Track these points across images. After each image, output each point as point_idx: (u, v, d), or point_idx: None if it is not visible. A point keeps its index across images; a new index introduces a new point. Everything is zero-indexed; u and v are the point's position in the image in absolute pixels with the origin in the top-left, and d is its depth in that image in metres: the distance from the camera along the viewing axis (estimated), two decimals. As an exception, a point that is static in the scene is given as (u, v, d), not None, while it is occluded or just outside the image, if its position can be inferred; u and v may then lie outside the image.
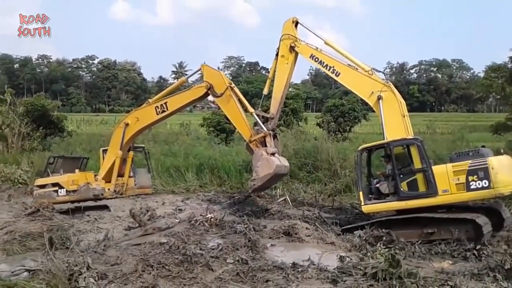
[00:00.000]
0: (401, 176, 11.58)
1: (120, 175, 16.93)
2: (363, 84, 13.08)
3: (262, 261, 9.94)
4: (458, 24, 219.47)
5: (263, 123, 14.33)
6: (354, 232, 11.88)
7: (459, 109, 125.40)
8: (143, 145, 20.11)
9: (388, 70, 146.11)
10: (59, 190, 16.42)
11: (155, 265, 9.41)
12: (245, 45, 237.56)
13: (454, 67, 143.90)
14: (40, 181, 17.32)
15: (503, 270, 8.33)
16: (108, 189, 16.49)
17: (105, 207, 15.48)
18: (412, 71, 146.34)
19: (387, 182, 12.12)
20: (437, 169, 11.25)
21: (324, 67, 13.82)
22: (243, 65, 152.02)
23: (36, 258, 9.91)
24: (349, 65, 13.50)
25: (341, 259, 9.76)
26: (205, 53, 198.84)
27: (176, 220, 13.87)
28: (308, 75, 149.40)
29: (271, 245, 11.49)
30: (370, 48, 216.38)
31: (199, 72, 16.03)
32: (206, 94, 15.14)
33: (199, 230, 12.80)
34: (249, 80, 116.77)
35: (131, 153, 17.16)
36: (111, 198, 16.24)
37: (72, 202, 15.97)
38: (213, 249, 10.87)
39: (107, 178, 16.66)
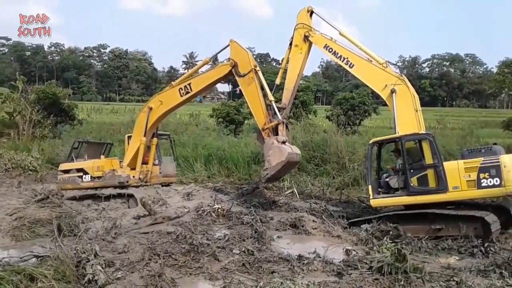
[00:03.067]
0: (412, 171, 11.49)
1: (145, 162, 16.57)
2: (377, 77, 12.94)
3: (268, 253, 9.98)
4: (472, 19, 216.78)
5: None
6: (361, 226, 11.87)
7: (471, 104, 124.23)
8: (168, 133, 19.69)
9: (400, 63, 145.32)
10: (84, 176, 16.23)
11: (162, 254, 9.50)
12: (256, 36, 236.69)
13: (467, 62, 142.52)
14: (64, 165, 17.03)
15: (510, 267, 8.30)
16: (133, 177, 16.20)
17: (131, 196, 15.30)
18: (424, 65, 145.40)
19: (397, 176, 12.07)
20: (448, 165, 11.16)
21: (338, 58, 13.65)
22: (254, 56, 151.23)
23: (44, 245, 9.98)
24: (363, 57, 13.36)
25: (347, 252, 9.79)
26: (215, 43, 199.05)
27: (185, 210, 13.97)
28: (319, 67, 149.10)
29: (278, 237, 11.52)
30: (382, 41, 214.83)
31: (227, 48, 15.19)
32: (230, 73, 14.76)
33: (206, 220, 12.87)
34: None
35: (155, 139, 16.81)
36: (135, 186, 16.00)
37: (96, 188, 15.87)
38: (219, 239, 10.93)
39: (132, 165, 16.38)
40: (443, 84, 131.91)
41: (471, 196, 10.99)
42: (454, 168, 11.00)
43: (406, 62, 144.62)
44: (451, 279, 8.16)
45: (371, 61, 13.16)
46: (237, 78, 14.59)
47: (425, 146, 11.45)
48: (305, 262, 9.23)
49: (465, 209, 11.06)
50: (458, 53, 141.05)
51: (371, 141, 12.57)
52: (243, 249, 10.08)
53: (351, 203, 15.69)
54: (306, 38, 14.20)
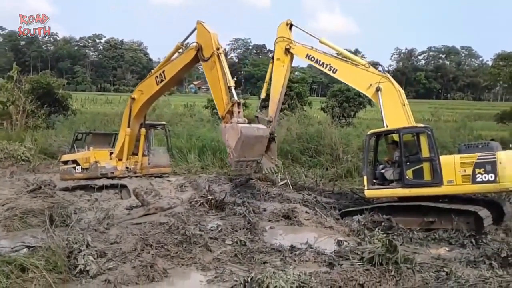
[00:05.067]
0: (408, 163, 11.56)
1: (136, 153, 16.59)
2: (361, 78, 13.22)
3: (260, 243, 10.04)
4: (468, 11, 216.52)
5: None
6: (353, 217, 11.94)
7: (465, 97, 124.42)
8: (163, 122, 19.37)
9: (396, 55, 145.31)
10: (76, 167, 16.45)
11: (154, 245, 9.50)
12: (253, 27, 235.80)
13: (463, 55, 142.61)
14: (64, 157, 17.49)
15: (499, 258, 8.37)
16: (120, 168, 16.16)
17: (124, 187, 15.31)
18: (420, 57, 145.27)
19: (393, 168, 12.12)
20: (445, 159, 11.21)
21: (320, 65, 13.97)
22: (250, 47, 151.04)
23: (36, 235, 9.99)
24: (345, 61, 13.72)
25: (339, 243, 9.86)
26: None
27: (178, 201, 13.97)
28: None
29: (270, 227, 11.57)
30: (379, 33, 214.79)
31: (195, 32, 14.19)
32: (197, 58, 13.81)
33: (199, 211, 12.90)
34: (256, 62, 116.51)
35: (143, 130, 16.59)
36: (123, 177, 15.93)
37: (86, 179, 15.93)
38: (212, 230, 10.98)
39: (120, 156, 16.34)
40: (439, 76, 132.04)
41: (466, 190, 11.06)
42: (450, 162, 11.05)
43: (402, 54, 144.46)
44: (441, 269, 8.23)
45: (353, 63, 13.46)
46: (202, 63, 13.73)
47: (423, 139, 11.48)
48: (297, 253, 9.30)
49: (458, 203, 11.11)
50: (454, 46, 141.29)
51: (369, 132, 12.59)
52: (235, 240, 10.14)
53: (344, 194, 15.75)
54: (287, 50, 14.46)
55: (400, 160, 11.72)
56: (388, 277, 7.78)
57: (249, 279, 7.29)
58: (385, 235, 9.60)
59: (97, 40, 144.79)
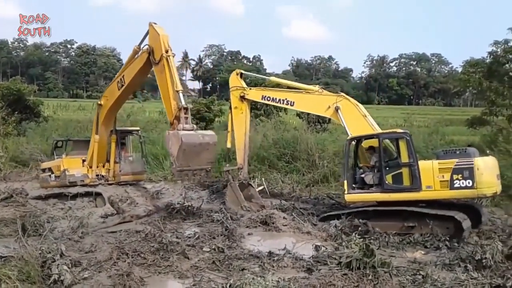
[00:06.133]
0: (387, 168, 11.70)
1: (109, 160, 16.30)
2: (317, 103, 13.85)
3: (238, 250, 10.01)
4: (438, 19, 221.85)
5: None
6: (330, 222, 12.02)
7: (436, 103, 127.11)
8: (137, 128, 18.92)
9: (369, 62, 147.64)
10: (51, 175, 16.21)
11: (130, 253, 9.37)
12: (228, 33, 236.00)
13: (433, 61, 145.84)
14: (43, 165, 17.55)
15: (474, 260, 8.52)
16: (91, 176, 15.85)
17: (99, 194, 15.09)
18: (392, 64, 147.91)
19: (373, 173, 12.25)
20: (423, 165, 11.33)
21: (277, 102, 14.55)
22: (225, 53, 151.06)
23: (8, 245, 9.70)
24: (298, 91, 14.38)
25: (317, 248, 9.90)
26: (186, 40, 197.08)
27: (154, 208, 13.80)
28: (289, 65, 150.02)
29: (248, 234, 11.55)
30: (352, 40, 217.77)
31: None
32: (150, 61, 13.07)
33: (176, 218, 12.78)
34: (231, 69, 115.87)
35: (114, 136, 16.27)
36: (94, 185, 15.61)
37: (59, 187, 15.62)
38: (189, 237, 10.88)
39: (91, 164, 16.03)
40: (410, 83, 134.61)
41: (444, 196, 11.18)
42: (428, 168, 11.16)
43: (374, 61, 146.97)
44: (418, 273, 8.34)
45: (307, 92, 14.08)
46: (153, 66, 12.99)
47: (402, 145, 11.64)
48: (275, 258, 9.31)
49: (437, 208, 11.20)
50: (424, 53, 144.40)
51: (349, 137, 12.65)
52: (213, 247, 10.07)
53: (321, 199, 15.86)
54: (242, 98, 14.82)
55: (380, 165, 11.84)
56: (366, 281, 7.87)
57: (227, 286, 7.26)
58: (362, 239, 9.68)
59: (69, 46, 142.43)
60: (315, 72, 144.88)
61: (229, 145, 15.59)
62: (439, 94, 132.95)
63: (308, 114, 33.86)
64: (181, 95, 12.20)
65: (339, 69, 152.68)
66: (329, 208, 14.25)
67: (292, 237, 11.24)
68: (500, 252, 8.40)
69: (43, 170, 17.04)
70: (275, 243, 10.67)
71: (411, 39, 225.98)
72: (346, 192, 12.24)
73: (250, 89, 15.03)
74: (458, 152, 11.30)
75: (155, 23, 13.14)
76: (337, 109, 13.01)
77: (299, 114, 36.43)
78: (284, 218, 12.67)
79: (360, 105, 13.27)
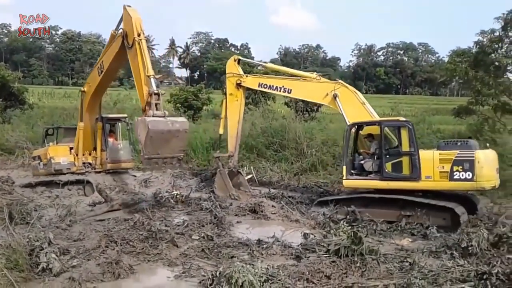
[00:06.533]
0: (387, 156, 11.65)
1: (96, 148, 16.11)
2: (315, 90, 13.74)
3: (227, 238, 10.04)
4: (425, 8, 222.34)
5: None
6: (318, 211, 12.08)
7: (423, 92, 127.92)
8: (125, 115, 18.44)
9: (356, 51, 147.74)
10: (40, 163, 16.05)
11: (119, 241, 9.37)
12: (215, 21, 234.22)
13: (420, 51, 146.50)
14: (34, 152, 17.59)
15: (460, 248, 8.62)
16: (78, 164, 15.69)
17: (87, 182, 14.97)
18: (379, 53, 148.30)
19: (372, 160, 12.23)
20: (424, 155, 11.26)
21: (274, 90, 14.45)
22: (212, 41, 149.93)
23: (-5, 233, 9.63)
24: (296, 78, 14.28)
25: (305, 236, 9.97)
26: (173, 27, 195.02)
27: (143, 196, 13.75)
28: (277, 53, 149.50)
29: (237, 222, 11.60)
30: (339, 29, 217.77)
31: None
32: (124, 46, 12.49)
33: (165, 207, 12.74)
34: (218, 57, 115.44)
35: (99, 124, 16.02)
36: (81, 173, 15.45)
37: (46, 175, 15.48)
38: (178, 225, 10.88)
39: (76, 151, 15.86)
40: (397, 72, 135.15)
41: (442, 187, 11.13)
42: (429, 158, 11.12)
43: (362, 50, 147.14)
44: (405, 260, 8.44)
45: (305, 79, 14.00)
46: (127, 51, 12.36)
47: (403, 134, 11.54)
48: (264, 246, 9.35)
49: (435, 199, 11.15)
50: (411, 42, 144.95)
51: (350, 123, 12.51)
52: (202, 235, 10.09)
53: (309, 188, 15.94)
54: (238, 85, 14.72)
55: (380, 153, 11.81)
56: (354, 268, 7.96)
57: (217, 274, 7.27)
58: (350, 227, 9.75)
59: (53, 32, 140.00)
60: (303, 61, 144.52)
61: (221, 131, 15.53)
62: (426, 84, 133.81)
63: (296, 102, 34.04)
64: (152, 80, 11.55)
65: (327, 57, 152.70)
66: (317, 196, 14.31)
67: (280, 225, 11.31)
68: (486, 239, 8.49)
69: (34, 158, 16.95)
70: (263, 231, 10.73)
71: (399, 28, 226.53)
72: (344, 177, 12.23)
73: (247, 76, 14.91)
74: (459, 144, 11.20)
75: (129, 6, 12.56)
76: (335, 96, 12.94)
77: (287, 103, 36.50)
78: (272, 206, 12.76)
79: (358, 92, 13.21)
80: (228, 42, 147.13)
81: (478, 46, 21.03)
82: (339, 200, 12.26)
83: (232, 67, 15.03)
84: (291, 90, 14.08)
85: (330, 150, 19.37)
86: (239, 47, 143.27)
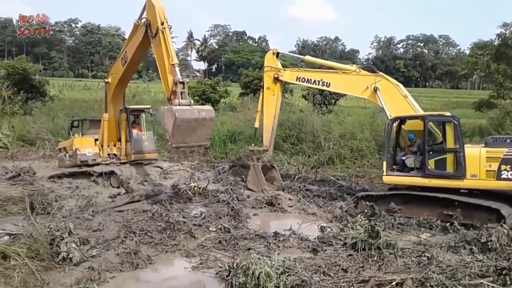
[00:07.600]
0: (431, 153, 11.09)
1: (120, 139, 16.14)
2: (355, 83, 13.20)
3: (244, 230, 10.10)
4: (446, 0, 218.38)
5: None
6: (367, 203, 11.70)
7: (443, 85, 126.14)
8: (149, 106, 18.38)
9: (376, 44, 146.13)
10: (66, 155, 16.20)
11: (137, 232, 9.51)
12: (233, 13, 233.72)
13: (441, 43, 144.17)
14: (60, 144, 17.55)
15: (479, 243, 8.53)
16: (102, 155, 15.76)
17: (112, 173, 15.13)
18: (399, 45, 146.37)
19: (415, 156, 11.73)
20: (470, 152, 10.67)
21: (312, 83, 14.08)
22: (230, 34, 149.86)
23: (17, 223, 9.84)
24: (335, 72, 13.82)
25: (322, 229, 9.96)
26: (191, 20, 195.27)
27: (163, 188, 13.88)
28: (295, 46, 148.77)
29: (254, 214, 11.64)
30: (358, 21, 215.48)
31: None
32: (148, 35, 12.43)
33: (183, 199, 12.84)
34: (236, 49, 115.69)
35: (123, 115, 16.04)
36: (106, 164, 15.56)
37: (72, 167, 15.63)
38: (196, 217, 10.98)
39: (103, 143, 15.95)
40: (417, 65, 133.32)
41: (489, 186, 10.49)
42: (475, 156, 10.53)
43: (381, 43, 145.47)
44: (423, 254, 8.38)
45: (344, 72, 13.51)
46: (151, 40, 12.29)
47: (449, 130, 11.09)
48: (281, 239, 9.37)
49: (480, 198, 10.55)
50: (432, 34, 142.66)
51: (392, 117, 11.95)
52: (219, 227, 10.17)
53: (326, 181, 15.89)
54: (276, 79, 14.41)
55: (423, 149, 11.27)
56: (371, 262, 7.94)
57: (234, 265, 7.33)
58: (367, 221, 9.68)
59: (73, 25, 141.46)
60: (321, 53, 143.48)
61: (257, 125, 15.31)
62: (446, 77, 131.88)
63: (314, 95, 33.93)
64: (177, 69, 11.45)
65: (346, 50, 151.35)
66: (335, 190, 14.23)
67: (297, 218, 11.32)
68: (506, 235, 8.38)
69: (59, 150, 17.08)
70: (280, 223, 10.77)
71: (419, 20, 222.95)
72: (384, 173, 11.75)
73: (285, 70, 14.59)
74: (508, 141, 10.58)
75: None
76: (375, 89, 12.48)
77: (305, 96, 36.40)
78: (289, 199, 12.77)
79: (400, 85, 12.66)
80: (246, 35, 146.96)
81: (500, 39, 20.68)
82: (379, 196, 11.87)
83: (270, 60, 14.68)
84: (330, 83, 13.65)
85: (347, 144, 19.26)
86: (256, 40, 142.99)
